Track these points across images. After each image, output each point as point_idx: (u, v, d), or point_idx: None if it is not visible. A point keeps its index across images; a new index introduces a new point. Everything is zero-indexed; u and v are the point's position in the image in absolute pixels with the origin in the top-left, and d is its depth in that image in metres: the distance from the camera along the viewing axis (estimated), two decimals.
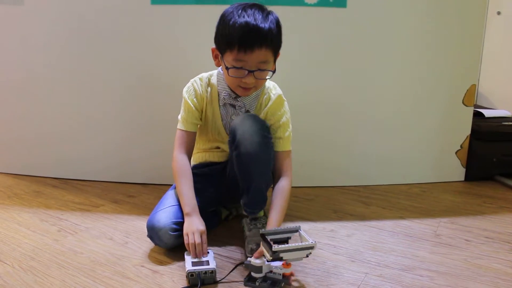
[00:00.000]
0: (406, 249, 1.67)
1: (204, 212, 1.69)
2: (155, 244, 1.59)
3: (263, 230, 1.40)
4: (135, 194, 2.19)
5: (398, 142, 2.33)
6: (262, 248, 1.38)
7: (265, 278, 1.41)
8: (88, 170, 2.34)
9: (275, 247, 1.31)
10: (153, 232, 1.55)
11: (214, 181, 1.74)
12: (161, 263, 1.55)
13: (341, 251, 1.65)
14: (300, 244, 1.33)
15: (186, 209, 1.53)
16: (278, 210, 1.53)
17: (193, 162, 1.81)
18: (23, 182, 2.31)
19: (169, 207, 1.59)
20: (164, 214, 1.56)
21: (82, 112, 2.26)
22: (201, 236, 1.48)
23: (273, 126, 1.63)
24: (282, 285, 1.38)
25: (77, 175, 2.36)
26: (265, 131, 1.53)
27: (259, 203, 1.60)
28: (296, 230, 1.41)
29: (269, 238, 1.37)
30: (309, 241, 1.34)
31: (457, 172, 2.45)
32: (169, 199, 1.64)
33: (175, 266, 1.53)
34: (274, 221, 1.51)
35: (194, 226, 1.49)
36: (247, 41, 1.45)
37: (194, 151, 1.82)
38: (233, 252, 1.63)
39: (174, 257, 1.59)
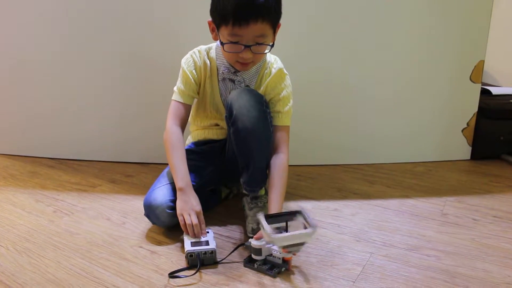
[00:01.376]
0: (412, 229, 1.62)
1: (204, 191, 1.64)
2: (153, 223, 1.54)
3: (260, 214, 1.33)
4: (133, 174, 2.13)
5: (403, 120, 2.26)
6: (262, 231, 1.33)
7: (264, 261, 1.35)
8: (85, 150, 2.28)
9: (273, 236, 1.25)
10: (150, 210, 1.50)
11: (214, 159, 1.68)
12: (159, 243, 1.50)
13: (346, 231, 1.59)
14: (296, 233, 1.26)
15: (178, 184, 1.47)
16: (278, 189, 1.47)
17: (192, 140, 1.74)
18: (18, 163, 2.25)
19: (166, 184, 1.53)
20: (161, 192, 1.50)
21: (78, 91, 2.19)
22: (197, 216, 1.42)
23: (272, 100, 1.56)
24: (282, 270, 1.33)
25: (74, 155, 2.30)
26: (263, 105, 1.46)
27: (259, 181, 1.54)
28: (298, 213, 1.34)
29: (266, 222, 1.30)
30: (307, 229, 1.27)
31: (463, 150, 2.38)
32: (166, 176, 1.57)
33: (173, 247, 1.48)
34: (274, 201, 1.45)
35: (189, 206, 1.43)
36: (241, 15, 1.36)
37: (193, 128, 1.75)
38: (234, 232, 1.58)
39: (173, 237, 1.53)
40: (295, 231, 1.26)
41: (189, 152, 1.64)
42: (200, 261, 1.35)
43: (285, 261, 1.33)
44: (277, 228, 1.33)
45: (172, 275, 1.31)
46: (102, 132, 2.24)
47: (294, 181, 2.03)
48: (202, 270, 1.35)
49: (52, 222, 1.64)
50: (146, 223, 1.61)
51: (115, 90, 2.17)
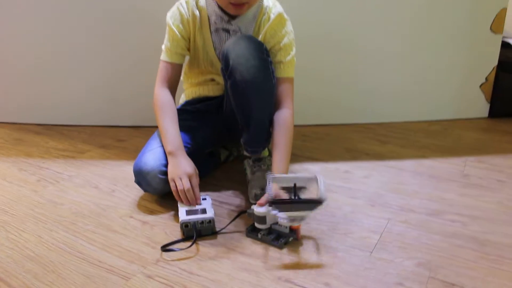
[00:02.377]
0: (432, 191, 1.45)
1: (200, 154, 1.46)
2: (144, 190, 1.37)
3: (271, 175, 1.16)
4: (125, 138, 1.95)
5: (416, 75, 2.06)
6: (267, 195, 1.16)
7: (269, 231, 1.19)
8: (74, 114, 2.10)
9: (270, 205, 1.11)
10: (140, 176, 1.32)
11: (210, 119, 1.49)
12: (151, 212, 1.33)
13: (359, 194, 1.42)
14: (301, 200, 1.10)
15: (168, 148, 1.29)
16: (282, 149, 1.29)
17: (184, 98, 1.56)
18: (3, 130, 2.07)
19: (158, 147, 1.35)
20: (152, 156, 1.33)
21: (64, 51, 1.98)
22: (190, 180, 1.24)
23: (272, 49, 1.35)
24: (290, 240, 1.17)
25: (62, 120, 2.11)
26: (263, 53, 1.26)
27: (262, 141, 1.36)
28: (312, 179, 1.16)
29: (273, 185, 1.13)
30: (313, 200, 1.10)
31: (481, 107, 2.19)
32: (157, 138, 1.39)
33: (167, 216, 1.31)
34: (279, 163, 1.27)
35: (180, 169, 1.26)
36: None
37: (186, 85, 1.56)
38: (235, 199, 1.41)
39: (167, 205, 1.37)
40: (299, 200, 1.10)
41: (182, 112, 1.46)
42: (197, 232, 1.18)
43: (293, 230, 1.16)
44: (285, 189, 1.15)
45: (165, 248, 1.15)
46: (92, 95, 2.05)
47: (300, 142, 1.85)
48: (199, 242, 1.18)
49: (35, 192, 1.47)
50: (138, 191, 1.44)
51: (104, 49, 1.97)
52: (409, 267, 1.07)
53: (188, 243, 1.16)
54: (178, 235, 1.22)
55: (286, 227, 1.16)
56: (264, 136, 1.34)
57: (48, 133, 2.02)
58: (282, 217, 1.15)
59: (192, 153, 1.35)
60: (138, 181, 1.35)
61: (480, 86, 2.14)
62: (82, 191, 1.48)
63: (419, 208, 1.34)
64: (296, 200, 1.11)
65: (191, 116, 1.48)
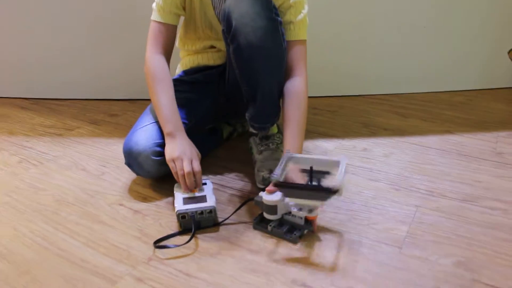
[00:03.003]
0: (463, 172, 1.26)
1: (200, 130, 1.28)
2: (136, 173, 1.18)
3: (289, 153, 0.97)
4: (119, 113, 1.76)
5: (437, 42, 1.83)
6: None
7: (281, 221, 1.01)
8: (64, 87, 1.90)
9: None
10: (131, 158, 1.14)
11: (211, 90, 1.30)
12: (144, 199, 1.16)
13: (380, 176, 1.23)
14: (312, 187, 0.91)
15: (167, 128, 1.10)
16: (295, 124, 1.09)
17: (181, 68, 1.35)
18: None
19: (151, 124, 1.17)
20: (144, 134, 1.14)
21: (50, 18, 1.77)
22: (191, 163, 1.06)
23: (281, 7, 1.13)
24: (304, 232, 0.99)
25: (51, 93, 1.92)
26: (272, 11, 1.05)
27: (270, 115, 1.17)
28: (335, 163, 0.96)
29: (284, 166, 0.95)
30: (333, 183, 0.89)
31: (509, 77, 1.97)
32: (150, 114, 1.21)
33: (163, 204, 1.14)
34: (291, 141, 1.08)
35: (180, 149, 1.07)
36: None
37: (183, 54, 1.35)
38: (239, 183, 1.22)
39: (162, 190, 1.19)
40: (309, 187, 0.91)
41: (179, 83, 1.26)
42: (196, 224, 1.00)
43: (309, 221, 0.98)
44: (302, 171, 0.97)
45: (159, 245, 0.97)
46: (82, 66, 1.85)
47: (311, 115, 1.65)
48: (198, 236, 1.01)
49: (15, 176, 1.30)
50: (130, 173, 1.26)
51: (94, 12, 1.75)
52: (447, 267, 0.89)
53: (186, 238, 0.99)
54: (174, 227, 1.04)
55: (301, 218, 0.97)
56: (273, 109, 1.15)
57: (35, 108, 1.83)
58: (291, 205, 0.97)
59: (190, 130, 1.17)
60: (129, 163, 1.16)
61: (509, 52, 1.91)
62: (68, 174, 1.30)
63: (451, 193, 1.15)
64: (306, 186, 0.92)
65: (189, 88, 1.28)
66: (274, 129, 1.23)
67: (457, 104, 1.78)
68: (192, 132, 1.18)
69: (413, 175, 1.24)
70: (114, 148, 1.45)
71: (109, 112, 1.76)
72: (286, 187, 0.92)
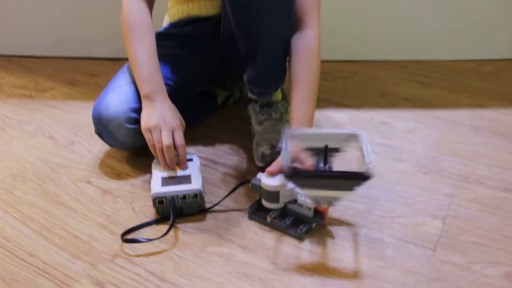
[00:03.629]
0: (501, 154, 1.04)
1: (188, 94, 1.05)
2: (109, 144, 0.96)
3: (290, 130, 0.74)
4: (100, 73, 1.52)
5: (463, 5, 1.58)
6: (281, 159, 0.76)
7: (284, 212, 0.79)
8: (40, 44, 1.66)
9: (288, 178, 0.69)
10: (101, 126, 0.92)
11: (202, 46, 1.06)
12: (118, 176, 0.94)
13: (404, 156, 1.01)
14: (336, 174, 0.67)
15: (144, 89, 0.88)
16: (304, 88, 0.86)
17: (168, 20, 1.11)
18: None
19: (126, 85, 0.94)
20: (117, 97, 0.91)
21: None
22: (173, 134, 0.84)
23: None
24: (313, 226, 0.77)
25: (26, 51, 1.68)
26: None
27: (274, 77, 0.93)
28: (353, 137, 0.74)
29: (288, 145, 0.72)
30: (363, 166, 0.66)
31: None
32: (126, 72, 0.98)
33: (139, 182, 0.92)
34: (299, 109, 0.85)
35: (159, 116, 0.85)
36: None
37: (171, 3, 1.11)
38: (234, 159, 1.00)
39: (140, 165, 0.97)
40: (333, 173, 0.68)
41: (164, 37, 1.03)
42: (176, 211, 0.79)
43: (318, 212, 0.77)
44: (310, 150, 0.75)
45: (127, 238, 0.76)
46: (62, 20, 1.60)
47: (321, 81, 1.40)
48: (179, 226, 0.79)
49: None
50: (104, 144, 1.04)
51: None
52: (495, 280, 0.69)
53: (163, 229, 0.78)
54: (150, 213, 0.83)
55: (310, 208, 0.76)
56: (277, 70, 0.91)
57: (6, 66, 1.59)
58: (304, 195, 0.75)
59: (175, 94, 0.94)
60: (99, 132, 0.94)
61: None
62: (31, 143, 1.08)
63: (490, 180, 0.94)
64: (328, 172, 0.70)
65: (177, 43, 1.05)
66: (278, 95, 1.00)
67: (486, 75, 1.54)
68: (178, 96, 0.95)
69: (442, 156, 1.02)
70: (89, 113, 1.21)
71: (89, 72, 1.52)
72: (305, 177, 0.67)
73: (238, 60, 0.95)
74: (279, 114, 0.97)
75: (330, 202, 0.71)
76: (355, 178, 0.64)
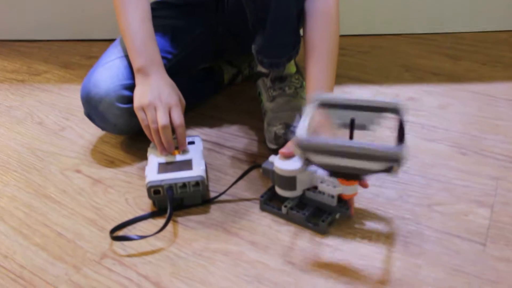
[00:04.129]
0: None
1: (190, 71, 0.93)
2: (101, 128, 0.84)
3: (319, 95, 0.61)
4: (98, 54, 1.35)
5: None
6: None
7: (302, 200, 0.67)
8: (37, 27, 1.55)
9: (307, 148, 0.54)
10: (90, 106, 0.80)
11: (205, 16, 0.93)
12: (111, 163, 0.82)
13: (437, 135, 0.88)
14: (370, 151, 0.52)
15: (137, 62, 0.76)
16: (322, 56, 0.74)
17: None
18: None
19: (117, 59, 0.82)
20: (107, 73, 0.80)
21: None
22: (170, 112, 0.72)
23: None
24: (337, 217, 0.65)
25: (21, 35, 1.57)
26: None
27: (286, 45, 0.80)
28: (388, 109, 0.60)
29: (308, 118, 0.58)
30: (398, 146, 0.52)
31: None
32: (119, 45, 0.86)
33: (135, 170, 0.80)
34: (317, 81, 0.73)
35: (154, 92, 0.73)
36: None
37: None
38: (242, 141, 0.88)
39: (138, 151, 0.86)
40: (360, 147, 0.54)
41: (161, 6, 0.91)
42: (174, 202, 0.67)
43: (343, 201, 0.64)
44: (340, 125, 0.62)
45: (116, 235, 0.65)
46: (58, 1, 1.49)
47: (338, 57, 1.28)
48: (178, 220, 0.68)
49: None
50: (98, 130, 0.92)
51: None
52: None
53: (160, 223, 0.66)
54: (146, 205, 0.71)
55: (333, 196, 0.63)
56: (289, 37, 0.78)
57: (0, 51, 1.48)
58: (326, 179, 0.63)
59: (175, 69, 0.82)
60: (88, 114, 0.82)
61: None
62: (19, 130, 0.97)
63: None
64: (352, 144, 0.55)
65: (175, 13, 0.92)
66: (292, 67, 0.87)
67: None
68: (178, 72, 0.83)
69: (482, 133, 0.88)
70: None
71: (86, 54, 1.41)
72: (321, 151, 0.53)
73: (246, 31, 0.82)
74: (293, 89, 0.84)
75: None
76: (385, 159, 0.51)
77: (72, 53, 1.42)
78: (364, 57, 1.28)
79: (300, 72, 0.90)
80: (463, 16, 1.49)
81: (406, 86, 1.10)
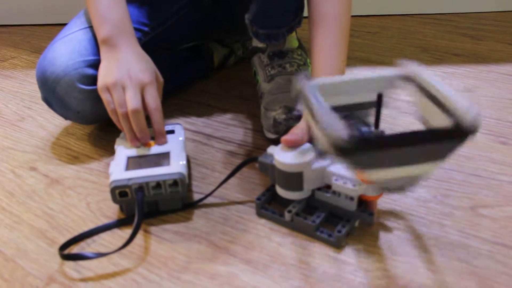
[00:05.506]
0: None
1: (172, 49, 0.78)
2: (62, 115, 0.69)
3: (315, 79, 0.46)
4: None
5: None
6: (306, 122, 0.49)
7: (310, 203, 0.52)
8: (7, 11, 1.39)
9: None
10: (46, 88, 0.65)
11: None
12: (74, 159, 0.67)
13: None
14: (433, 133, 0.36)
15: (102, 30, 0.61)
16: (332, 27, 0.59)
17: None
18: None
19: (79, 30, 0.66)
20: (65, 47, 0.65)
21: None
22: (143, 92, 0.57)
23: None
24: (356, 225, 0.50)
25: None
26: None
27: (286, 12, 0.64)
28: (406, 78, 0.45)
29: (318, 96, 0.42)
30: (458, 112, 0.37)
31: None
32: (83, 17, 0.70)
33: (102, 167, 0.65)
34: (326, 58, 0.58)
35: (122, 68, 0.57)
36: None
37: None
38: (235, 131, 0.73)
39: (106, 144, 0.71)
40: (425, 133, 0.37)
41: None
42: (143, 206, 0.52)
43: (364, 204, 0.49)
44: (340, 110, 0.46)
45: (67, 253, 0.50)
46: None
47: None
48: (151, 229, 0.52)
49: None
50: (61, 119, 0.77)
51: None
52: None
53: (128, 234, 0.51)
54: (112, 211, 0.56)
55: (352, 198, 0.48)
56: (290, 1, 0.63)
57: None
58: (341, 174, 0.48)
59: (152, 45, 0.67)
60: (46, 98, 0.67)
61: None
62: None
63: None
64: (416, 134, 0.36)
65: None
66: (294, 41, 0.72)
67: None
68: (156, 50, 0.68)
69: None
70: None
71: None
72: (378, 148, 0.36)
73: (237, 1, 0.67)
74: (295, 66, 0.69)
75: (404, 186, 0.42)
76: (455, 136, 0.36)
77: (45, 38, 1.27)
78: (373, 37, 1.13)
79: (303, 48, 0.75)
80: None
81: (424, 67, 0.95)
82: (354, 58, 0.99)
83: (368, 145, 0.35)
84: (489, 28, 1.20)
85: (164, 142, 0.58)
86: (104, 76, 0.58)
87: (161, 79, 0.61)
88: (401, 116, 0.74)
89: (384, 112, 0.45)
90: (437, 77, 0.42)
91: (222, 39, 0.91)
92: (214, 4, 0.80)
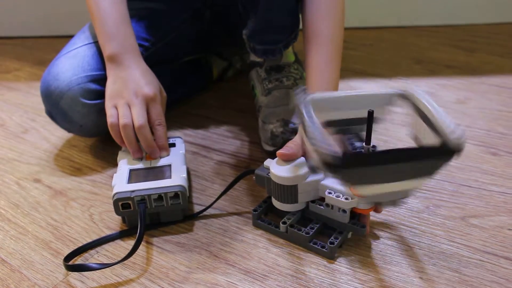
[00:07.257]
0: None
1: (173, 63, 0.79)
2: (65, 129, 0.71)
3: (311, 94, 0.47)
4: None
5: None
6: (301, 136, 0.50)
7: (304, 216, 0.53)
8: (12, 23, 1.41)
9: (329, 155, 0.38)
10: (50, 102, 0.66)
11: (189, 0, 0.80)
12: (77, 171, 0.68)
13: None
14: (404, 152, 0.38)
15: (108, 48, 0.62)
16: (325, 44, 0.61)
17: None
18: None
19: (83, 46, 0.68)
20: (70, 62, 0.66)
21: None
22: (148, 108, 0.59)
23: None
24: (348, 236, 0.51)
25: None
26: None
27: (282, 28, 0.67)
28: (401, 95, 0.47)
29: (312, 113, 0.44)
30: (445, 136, 0.39)
31: None
32: (87, 32, 0.72)
33: (104, 179, 0.67)
34: (320, 73, 0.59)
35: (129, 84, 0.59)
36: None
37: None
38: (234, 143, 0.74)
39: (109, 156, 0.72)
40: (415, 150, 0.39)
41: None
42: (145, 218, 0.53)
43: (357, 216, 0.51)
44: (333, 125, 0.48)
45: (72, 263, 0.51)
46: None
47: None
48: (153, 241, 0.54)
49: None
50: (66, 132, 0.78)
51: None
52: None
53: (130, 245, 0.52)
54: (115, 223, 0.57)
55: (345, 211, 0.49)
56: (286, 16, 0.65)
57: None
58: (336, 188, 0.49)
59: (154, 59, 0.69)
60: (49, 112, 0.68)
61: None
62: None
63: None
64: (406, 151, 0.39)
65: None
66: (290, 55, 0.74)
67: None
68: (157, 64, 0.69)
69: (510, 130, 0.75)
70: None
71: None
72: (368, 164, 0.38)
73: (236, 16, 0.69)
74: (292, 80, 0.71)
75: (395, 201, 0.44)
76: (440, 154, 0.38)
77: (49, 50, 1.29)
78: (368, 50, 1.15)
79: (300, 62, 0.77)
80: (474, 7, 1.36)
81: (418, 79, 0.97)
82: (349, 70, 1.01)
83: (356, 162, 0.37)
84: (482, 40, 1.22)
85: (166, 155, 0.59)
86: (110, 92, 0.59)
87: (164, 93, 0.63)
88: (394, 127, 0.76)
89: (380, 125, 0.47)
90: (429, 97, 0.43)
91: (221, 52, 0.92)
92: (213, 18, 0.82)
